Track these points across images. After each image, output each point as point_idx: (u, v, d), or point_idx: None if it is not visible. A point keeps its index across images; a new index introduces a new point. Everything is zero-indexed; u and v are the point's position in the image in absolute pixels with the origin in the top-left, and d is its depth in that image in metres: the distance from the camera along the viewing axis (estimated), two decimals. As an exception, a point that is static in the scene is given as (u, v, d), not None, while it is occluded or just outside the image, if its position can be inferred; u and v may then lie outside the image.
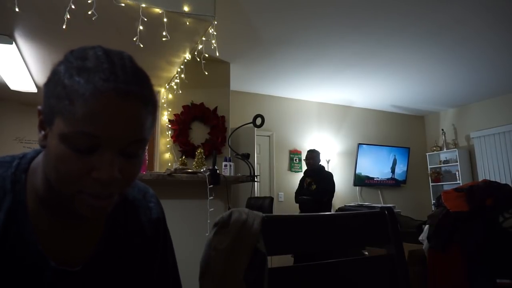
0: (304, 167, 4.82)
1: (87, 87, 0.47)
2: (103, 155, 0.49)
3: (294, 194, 4.41)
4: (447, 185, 6.03)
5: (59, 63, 0.52)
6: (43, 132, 0.54)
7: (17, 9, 2.23)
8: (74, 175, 0.49)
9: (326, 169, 5.64)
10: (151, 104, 0.52)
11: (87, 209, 0.52)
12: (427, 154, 6.56)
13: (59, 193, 0.52)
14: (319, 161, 4.40)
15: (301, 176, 4.53)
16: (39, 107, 0.55)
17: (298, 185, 4.43)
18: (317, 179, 4.17)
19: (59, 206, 0.56)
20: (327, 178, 4.20)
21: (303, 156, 5.50)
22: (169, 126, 3.96)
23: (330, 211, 4.33)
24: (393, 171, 6.25)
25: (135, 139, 0.51)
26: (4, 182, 0.56)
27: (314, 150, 4.45)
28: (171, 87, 3.87)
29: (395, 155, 6.28)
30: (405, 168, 6.36)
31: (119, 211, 0.65)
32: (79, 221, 0.59)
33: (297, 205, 4.27)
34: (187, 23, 2.56)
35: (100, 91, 0.47)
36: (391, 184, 6.23)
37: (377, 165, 6.09)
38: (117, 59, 0.51)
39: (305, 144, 5.60)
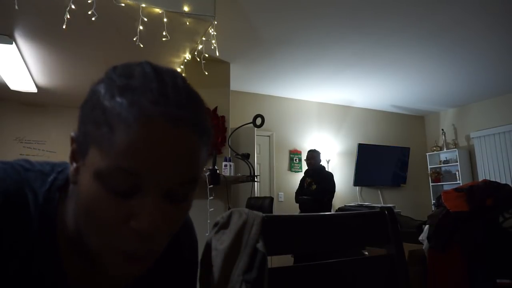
0: (305, 167, 4.82)
1: (131, 110, 0.38)
2: (146, 199, 0.40)
3: (294, 194, 4.40)
4: (447, 185, 6.03)
5: (98, 81, 0.44)
6: (75, 165, 0.44)
7: (16, 7, 2.22)
8: (108, 223, 0.40)
9: (326, 169, 5.65)
10: (207, 134, 0.43)
11: (116, 269, 0.43)
12: (427, 154, 6.56)
13: (87, 242, 0.43)
14: (320, 161, 4.39)
15: (301, 176, 4.53)
16: (72, 133, 0.45)
17: (298, 185, 4.42)
18: (318, 179, 4.16)
19: (85, 255, 0.47)
20: (327, 178, 4.19)
21: (303, 156, 5.50)
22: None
23: (330, 211, 4.30)
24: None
25: (186, 179, 0.41)
26: (36, 199, 0.47)
27: (314, 150, 4.44)
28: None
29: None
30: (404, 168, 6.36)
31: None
32: (105, 275, 0.50)
33: (297, 205, 4.26)
34: (187, 23, 2.56)
35: (147, 115, 0.38)
36: (391, 184, 6.23)
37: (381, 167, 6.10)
38: (169, 78, 0.42)
39: (305, 144, 5.59)
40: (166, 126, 0.38)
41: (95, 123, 0.40)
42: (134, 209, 0.40)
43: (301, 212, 4.12)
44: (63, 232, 0.48)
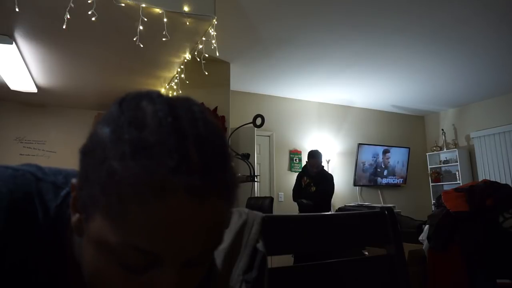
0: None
1: (148, 181, 0.32)
2: (163, 274, 0.34)
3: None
4: (447, 185, 6.03)
5: (102, 122, 0.37)
6: (77, 216, 0.39)
7: (17, 9, 2.22)
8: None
9: (326, 169, 5.65)
10: (233, 193, 0.37)
11: None
12: (427, 154, 6.56)
13: None
14: (321, 162, 4.25)
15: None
16: (74, 181, 0.40)
17: (295, 182, 4.29)
18: (317, 181, 4.06)
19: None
20: (328, 180, 4.09)
21: (303, 156, 5.50)
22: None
23: (330, 211, 4.26)
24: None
25: (209, 248, 0.37)
26: (46, 213, 0.43)
27: (316, 152, 4.17)
28: (171, 87, 3.87)
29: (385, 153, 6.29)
30: (404, 168, 6.36)
31: None
32: None
33: (297, 205, 4.23)
34: (187, 23, 2.55)
35: (167, 189, 0.32)
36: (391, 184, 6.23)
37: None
38: (188, 124, 0.35)
39: (305, 144, 5.59)
40: (190, 201, 0.32)
41: (102, 189, 0.33)
42: (149, 284, 0.35)
43: (300, 212, 4.10)
44: (72, 252, 0.44)
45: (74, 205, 0.39)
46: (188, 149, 0.33)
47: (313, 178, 4.12)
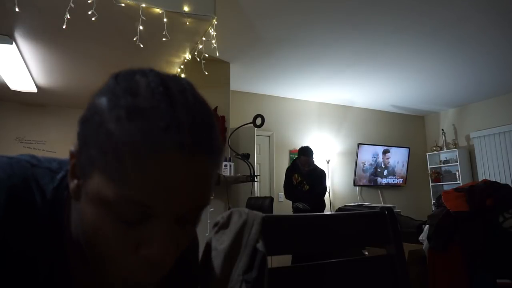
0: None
1: (142, 140, 0.35)
2: (156, 227, 0.38)
3: None
4: (447, 185, 6.03)
5: (99, 93, 0.40)
6: (76, 181, 0.42)
7: (17, 9, 2.22)
8: (116, 252, 0.38)
9: (326, 168, 5.65)
10: (220, 155, 0.41)
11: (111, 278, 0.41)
12: (427, 154, 6.57)
13: (93, 259, 0.42)
14: (313, 160, 4.07)
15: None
16: (72, 148, 0.42)
17: (285, 178, 4.10)
18: (310, 179, 3.90)
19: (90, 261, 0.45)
20: (320, 178, 3.94)
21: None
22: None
23: (324, 208, 4.07)
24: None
25: (199, 205, 0.40)
26: (44, 196, 0.45)
27: (308, 149, 4.00)
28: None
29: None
30: (404, 168, 6.36)
31: None
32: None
33: (292, 208, 4.03)
34: (187, 23, 2.55)
35: (160, 146, 0.35)
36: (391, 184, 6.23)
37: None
38: (177, 93, 0.39)
39: (305, 144, 5.59)
40: (182, 157, 0.36)
41: (100, 149, 0.37)
42: (144, 237, 0.38)
43: (294, 212, 3.95)
44: (70, 233, 0.46)
45: (73, 172, 0.42)
46: (178, 113, 0.37)
47: (305, 176, 3.94)
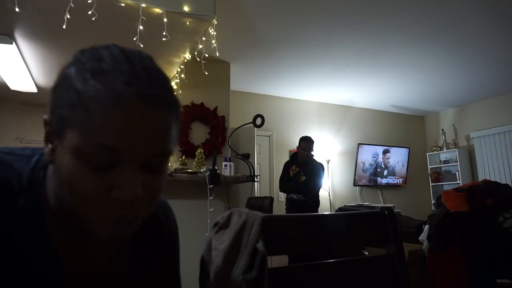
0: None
1: (106, 92, 0.41)
2: (124, 171, 0.42)
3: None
4: (447, 185, 6.03)
5: (68, 65, 0.45)
6: (50, 146, 0.46)
7: (17, 9, 2.22)
8: (90, 196, 0.43)
9: (326, 169, 5.65)
10: (177, 109, 0.46)
11: (104, 232, 0.45)
12: (427, 154, 6.57)
13: (71, 213, 0.45)
14: (313, 149, 3.88)
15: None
16: (45, 116, 0.47)
17: (282, 171, 3.93)
18: (307, 170, 3.74)
19: (71, 225, 0.49)
20: (318, 170, 3.78)
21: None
22: (169, 126, 3.95)
23: (318, 205, 3.82)
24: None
25: (160, 152, 0.44)
26: (20, 179, 0.49)
27: (309, 137, 3.83)
28: (171, 87, 3.87)
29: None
30: (404, 168, 6.36)
31: (141, 232, 0.58)
32: (92, 241, 0.52)
33: (286, 200, 3.82)
34: (187, 23, 2.55)
35: (121, 96, 0.41)
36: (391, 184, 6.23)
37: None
38: (137, 59, 0.45)
39: (314, 145, 5.59)
40: (141, 105, 0.41)
41: (70, 106, 0.42)
42: (114, 181, 0.42)
43: (288, 207, 3.71)
44: (49, 207, 0.50)
45: (47, 138, 0.47)
46: (137, 72, 0.43)
47: (303, 166, 3.77)
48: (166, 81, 0.47)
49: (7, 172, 0.49)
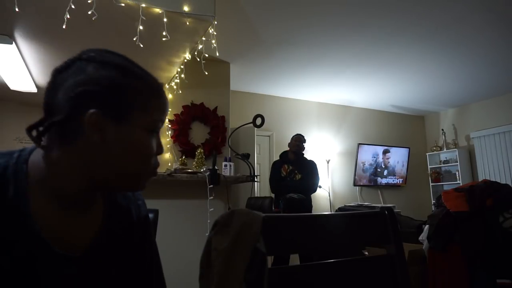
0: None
1: (153, 84, 0.62)
2: (158, 135, 0.64)
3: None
4: (447, 185, 6.03)
5: (96, 68, 0.59)
6: (98, 132, 0.57)
7: (17, 9, 2.22)
8: (151, 154, 0.62)
9: (326, 169, 5.65)
10: None
11: (143, 185, 0.64)
12: (427, 154, 6.57)
13: (118, 179, 0.61)
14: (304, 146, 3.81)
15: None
16: (94, 110, 0.56)
17: (272, 171, 3.72)
18: (301, 167, 3.61)
19: (70, 197, 0.61)
20: (314, 168, 3.66)
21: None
22: (169, 126, 3.96)
23: (311, 208, 3.57)
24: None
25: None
26: (6, 171, 0.58)
27: (301, 135, 3.80)
28: (171, 87, 3.87)
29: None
30: (404, 168, 6.36)
31: (114, 206, 0.70)
32: (83, 210, 0.64)
33: (283, 201, 3.41)
34: (187, 23, 2.55)
35: (159, 87, 0.64)
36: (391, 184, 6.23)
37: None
38: (138, 67, 0.66)
39: (305, 144, 5.59)
40: (163, 91, 0.66)
41: (135, 95, 0.60)
42: (157, 142, 0.64)
43: (286, 207, 3.22)
44: (35, 191, 0.59)
45: (99, 126, 0.57)
46: (149, 74, 0.64)
47: (296, 164, 3.62)
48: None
49: None
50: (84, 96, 0.56)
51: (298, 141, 3.72)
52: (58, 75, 0.62)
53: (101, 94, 0.57)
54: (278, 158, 3.93)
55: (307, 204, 3.44)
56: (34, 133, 0.58)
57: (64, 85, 0.58)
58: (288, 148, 3.86)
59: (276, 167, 3.74)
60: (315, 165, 3.74)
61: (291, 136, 3.89)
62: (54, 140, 0.58)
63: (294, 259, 3.46)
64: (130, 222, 0.72)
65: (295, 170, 3.61)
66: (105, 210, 0.68)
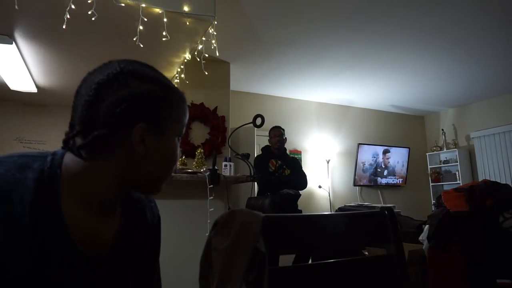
0: (304, 164, 4.71)
1: (180, 94, 0.68)
2: (176, 140, 0.69)
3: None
4: (447, 185, 6.03)
5: (139, 85, 0.62)
6: (143, 145, 0.62)
7: (16, 7, 2.22)
8: (177, 158, 0.68)
9: (326, 169, 5.65)
10: None
11: (163, 187, 0.67)
12: (427, 154, 6.56)
13: (150, 182, 0.66)
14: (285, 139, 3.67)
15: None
16: (140, 124, 0.61)
17: (257, 166, 3.42)
18: (288, 162, 3.53)
19: (102, 203, 0.64)
20: (299, 164, 3.61)
21: (303, 156, 5.50)
22: (169, 126, 3.95)
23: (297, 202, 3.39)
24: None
25: None
26: (42, 175, 0.59)
27: (279, 126, 3.66)
28: (171, 87, 3.87)
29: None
30: (404, 168, 6.36)
31: (131, 208, 0.73)
32: (109, 214, 0.67)
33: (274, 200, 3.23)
34: (187, 23, 2.55)
35: (184, 96, 0.69)
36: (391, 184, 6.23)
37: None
38: (163, 76, 0.70)
39: (305, 144, 5.59)
40: (185, 99, 0.70)
41: (172, 108, 0.65)
42: (178, 144, 0.69)
43: (280, 204, 3.08)
44: (68, 194, 0.60)
45: (141, 140, 0.61)
46: (171, 84, 0.68)
47: (284, 159, 3.52)
48: None
49: (31, 172, 0.59)
50: (129, 111, 0.60)
51: (278, 136, 3.56)
52: (100, 88, 0.61)
53: (144, 109, 0.61)
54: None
55: (297, 200, 3.31)
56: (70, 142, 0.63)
57: (108, 99, 0.59)
58: (269, 143, 3.70)
59: (263, 162, 3.51)
60: (299, 161, 3.76)
61: (289, 134, 3.66)
62: (92, 150, 0.61)
63: (289, 259, 3.45)
64: (145, 223, 0.75)
65: (284, 165, 3.49)
66: (122, 212, 0.70)
